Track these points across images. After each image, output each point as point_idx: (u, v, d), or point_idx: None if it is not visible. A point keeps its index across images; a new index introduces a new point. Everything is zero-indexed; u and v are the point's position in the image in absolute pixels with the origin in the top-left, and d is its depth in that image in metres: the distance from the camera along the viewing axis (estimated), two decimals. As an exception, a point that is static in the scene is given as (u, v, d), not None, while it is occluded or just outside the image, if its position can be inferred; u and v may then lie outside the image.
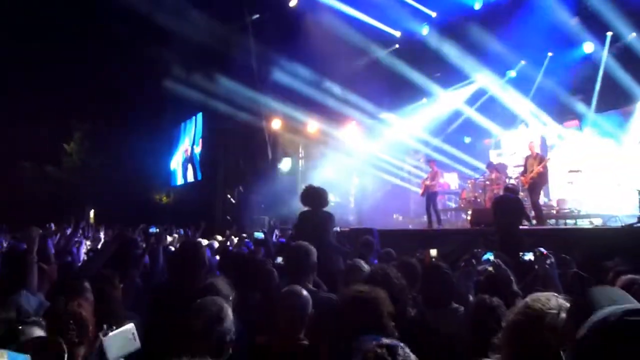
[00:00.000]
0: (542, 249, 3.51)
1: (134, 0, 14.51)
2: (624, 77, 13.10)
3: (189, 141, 25.07)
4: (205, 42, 15.25)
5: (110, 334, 2.30)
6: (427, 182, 12.94)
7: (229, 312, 2.47)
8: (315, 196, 6.37)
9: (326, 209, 6.37)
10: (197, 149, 23.92)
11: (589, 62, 13.91)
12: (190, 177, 24.80)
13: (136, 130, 23.09)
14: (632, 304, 1.17)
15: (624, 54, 12.89)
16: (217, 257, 6.79)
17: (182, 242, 7.65)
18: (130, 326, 2.40)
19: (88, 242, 8.56)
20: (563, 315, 1.52)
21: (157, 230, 5.17)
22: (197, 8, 14.08)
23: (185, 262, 4.06)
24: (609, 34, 13.18)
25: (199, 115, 23.12)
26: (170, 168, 26.96)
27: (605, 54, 13.53)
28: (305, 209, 6.37)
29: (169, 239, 9.48)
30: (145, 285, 4.72)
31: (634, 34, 12.76)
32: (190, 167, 25.01)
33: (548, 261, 3.42)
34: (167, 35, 15.11)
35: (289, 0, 15.14)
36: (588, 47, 13.83)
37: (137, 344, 2.39)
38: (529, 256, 3.81)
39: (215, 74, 16.42)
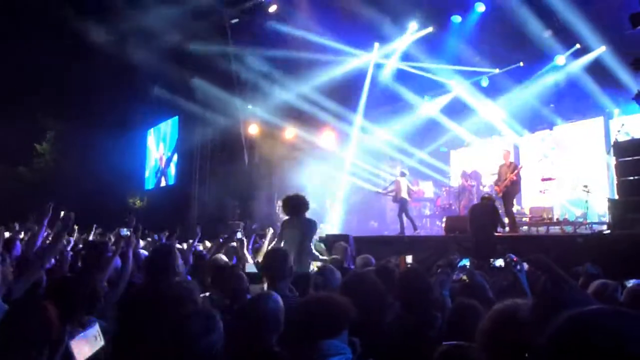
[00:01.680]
0: (512, 256, 3.55)
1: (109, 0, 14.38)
2: (594, 89, 13.46)
3: (163, 145, 24.82)
4: (182, 45, 15.15)
5: (77, 337, 2.29)
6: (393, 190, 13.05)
7: (219, 322, 2.42)
8: (295, 205, 6.42)
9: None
10: (172, 153, 23.69)
11: (561, 73, 14.24)
12: (164, 181, 24.54)
13: (110, 132, 22.70)
14: (595, 305, 1.19)
15: (593, 66, 13.23)
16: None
17: (154, 246, 7.57)
18: (95, 327, 2.37)
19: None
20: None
21: (128, 233, 5.09)
22: (174, 10, 13.96)
23: (157, 266, 4.05)
24: (578, 46, 13.52)
25: (175, 119, 22.92)
26: (144, 171, 26.64)
27: (575, 66, 13.88)
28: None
29: (142, 242, 9.35)
30: (113, 290, 4.65)
31: (603, 48, 13.10)
32: (164, 170, 24.74)
33: (518, 267, 3.47)
34: (144, 36, 14.93)
35: (269, 5, 15.14)
36: (560, 59, 14.16)
37: (101, 342, 2.36)
38: (500, 262, 3.85)
39: (193, 77, 16.32)
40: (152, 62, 15.43)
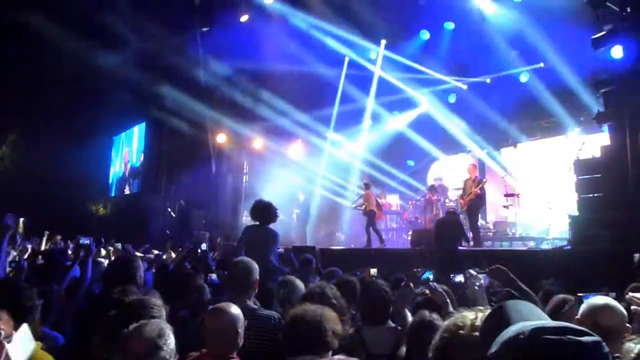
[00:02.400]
0: (472, 271, 3.57)
1: (79, 3, 14.14)
2: (557, 108, 13.83)
3: (129, 151, 24.44)
4: (151, 52, 14.98)
5: (12, 340, 2.27)
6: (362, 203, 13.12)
7: (171, 337, 2.34)
8: (264, 211, 6.35)
9: (272, 225, 6.35)
10: (138, 160, 23.33)
11: (525, 90, 14.58)
12: (129, 189, 24.13)
13: (74, 138, 22.14)
14: (542, 320, 1.19)
15: (556, 86, 13.60)
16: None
17: (116, 255, 7.41)
18: (24, 327, 2.41)
19: (14, 252, 8.12)
20: (477, 332, 1.53)
21: (88, 241, 4.97)
22: (145, 16, 13.80)
23: (118, 276, 3.97)
24: (542, 65, 13.88)
25: (142, 125, 22.59)
26: (108, 178, 26.15)
27: (539, 85, 14.23)
28: (253, 223, 6.36)
29: (103, 252, 9.16)
30: (72, 299, 4.53)
31: (565, 68, 13.48)
32: (129, 178, 24.34)
33: (478, 283, 3.50)
34: (112, 41, 14.71)
35: (241, 15, 15.12)
36: (524, 76, 14.52)
37: (33, 343, 2.41)
38: (460, 278, 3.87)
39: (161, 84, 16.11)
40: (120, 68, 15.22)
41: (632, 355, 1.69)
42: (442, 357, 1.63)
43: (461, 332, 1.55)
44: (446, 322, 1.67)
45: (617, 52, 8.23)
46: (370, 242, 12.43)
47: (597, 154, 8.83)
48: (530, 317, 1.20)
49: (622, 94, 7.73)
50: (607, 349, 1.05)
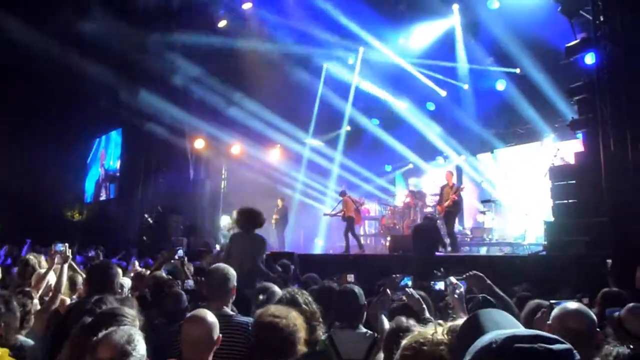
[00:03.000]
0: (452, 279, 3.59)
1: (55, 7, 13.94)
2: (533, 115, 14.04)
3: (105, 157, 24.13)
4: (128, 56, 14.81)
5: None
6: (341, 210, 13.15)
7: (140, 342, 2.31)
8: (249, 218, 6.28)
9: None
10: (115, 166, 23.05)
11: (502, 98, 14.78)
12: (106, 195, 23.81)
13: (48, 143, 21.75)
14: (515, 328, 1.20)
15: (532, 93, 13.80)
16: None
17: (93, 262, 7.29)
18: None
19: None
20: (442, 346, 1.52)
21: (63, 248, 4.88)
22: (122, 21, 13.67)
23: (96, 283, 3.94)
24: (518, 70, 14.09)
25: (119, 131, 22.34)
26: (84, 184, 25.77)
27: (515, 93, 14.44)
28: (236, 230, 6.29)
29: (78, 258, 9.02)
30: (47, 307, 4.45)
31: (542, 75, 13.71)
32: (105, 184, 24.02)
33: (457, 291, 3.51)
34: (88, 45, 14.50)
35: (219, 20, 15.06)
36: (500, 84, 14.72)
37: None
38: (440, 285, 3.89)
39: (138, 89, 15.93)
40: (98, 73, 15.02)
41: (611, 358, 1.70)
42: None
43: (424, 348, 1.54)
44: (405, 341, 1.65)
45: (590, 60, 8.39)
46: (348, 247, 12.44)
47: (572, 160, 8.98)
48: (504, 325, 1.20)
49: (595, 102, 7.86)
50: (578, 357, 1.06)
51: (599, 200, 7.28)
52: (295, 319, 2.74)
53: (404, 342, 1.67)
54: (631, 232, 6.54)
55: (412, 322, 2.82)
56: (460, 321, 1.54)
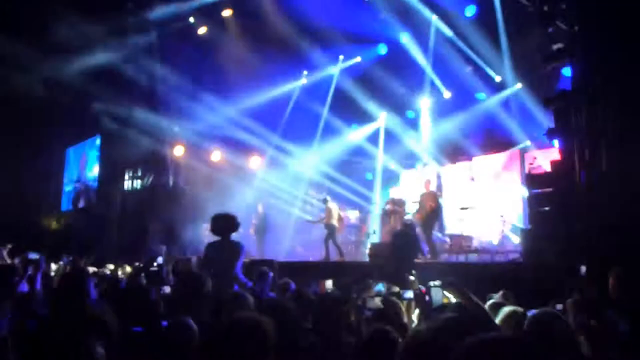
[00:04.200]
0: (421, 287, 3.60)
1: (28, 11, 13.73)
2: (511, 123, 14.23)
3: (84, 164, 23.78)
4: (106, 63, 14.64)
5: None
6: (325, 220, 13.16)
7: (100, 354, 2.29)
8: (223, 223, 6.19)
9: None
10: (93, 173, 22.72)
11: (481, 107, 14.97)
12: (83, 203, 23.44)
13: (23, 151, 21.35)
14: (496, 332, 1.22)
15: (510, 102, 14.01)
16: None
17: (68, 271, 7.18)
18: None
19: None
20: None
21: (37, 256, 4.81)
22: (100, 27, 13.52)
23: (68, 292, 3.91)
24: (498, 80, 14.28)
25: (97, 138, 22.04)
26: (61, 192, 25.35)
27: (494, 101, 14.63)
28: (214, 238, 6.18)
29: (53, 267, 8.87)
30: (20, 317, 4.35)
31: (519, 85, 13.92)
32: (83, 191, 23.65)
33: (427, 298, 3.51)
34: (67, 53, 14.30)
35: (199, 27, 15.01)
36: (480, 94, 14.90)
37: None
38: (409, 294, 3.89)
39: (117, 96, 15.76)
40: (75, 79, 14.82)
41: None
42: None
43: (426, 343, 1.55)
44: (411, 332, 1.65)
45: (566, 69, 8.53)
46: (329, 255, 12.43)
47: (548, 168, 9.09)
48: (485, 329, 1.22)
49: (570, 111, 7.97)
50: None
51: (574, 208, 7.37)
52: (265, 326, 2.71)
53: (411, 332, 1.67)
54: (604, 240, 6.62)
55: (389, 328, 2.81)
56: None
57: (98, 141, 21.98)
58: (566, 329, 2.51)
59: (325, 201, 13.31)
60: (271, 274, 6.89)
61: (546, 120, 11.52)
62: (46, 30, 13.27)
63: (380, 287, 4.02)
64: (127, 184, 18.70)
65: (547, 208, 8.22)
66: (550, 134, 8.98)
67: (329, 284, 5.65)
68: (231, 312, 3.74)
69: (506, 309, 3.69)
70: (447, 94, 15.80)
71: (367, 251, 12.01)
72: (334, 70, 16.17)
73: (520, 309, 3.58)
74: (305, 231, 16.38)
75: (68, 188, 25.07)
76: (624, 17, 7.26)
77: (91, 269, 8.91)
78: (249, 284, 5.91)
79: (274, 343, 2.62)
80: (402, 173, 17.51)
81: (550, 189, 8.26)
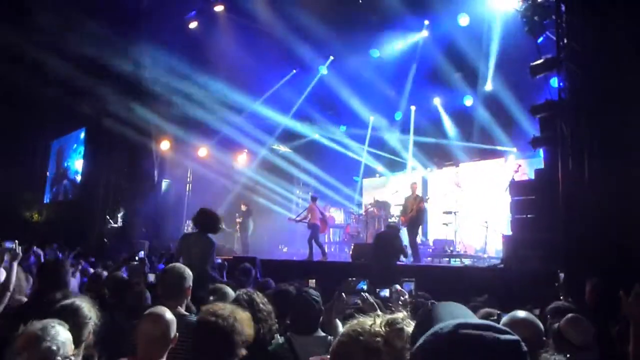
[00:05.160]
0: (397, 286, 3.65)
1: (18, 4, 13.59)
2: (497, 131, 14.37)
3: (68, 157, 23.57)
4: (93, 57, 14.49)
5: None
6: (306, 216, 13.19)
7: (60, 331, 2.31)
8: (205, 219, 6.24)
9: (215, 235, 6.25)
10: (77, 166, 22.52)
11: (468, 112, 15.10)
12: (67, 195, 23.24)
13: (5, 143, 21.02)
14: (471, 318, 1.23)
15: (498, 110, 14.13)
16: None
17: (46, 261, 7.13)
18: None
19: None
20: (378, 338, 1.52)
21: (13, 245, 4.78)
22: (87, 17, 13.38)
23: (44, 282, 3.92)
24: (487, 89, 14.40)
25: (82, 131, 21.85)
26: (45, 184, 25.10)
27: (481, 109, 14.77)
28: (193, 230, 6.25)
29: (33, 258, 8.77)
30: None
31: (507, 93, 14.05)
32: (67, 184, 23.45)
33: (402, 298, 3.56)
34: (52, 44, 14.12)
35: (189, 22, 14.96)
36: (468, 100, 15.03)
37: None
38: (385, 292, 3.94)
39: (103, 89, 15.62)
40: (60, 71, 14.67)
41: None
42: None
43: (361, 338, 1.54)
44: (344, 328, 1.65)
45: (553, 80, 8.64)
46: (312, 254, 12.47)
47: (532, 176, 9.20)
48: (459, 316, 1.22)
49: (556, 121, 8.08)
50: (525, 349, 1.08)
51: (556, 216, 7.47)
52: (237, 320, 2.73)
53: (342, 329, 1.68)
54: (583, 247, 6.72)
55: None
56: (399, 315, 1.56)
57: (83, 135, 21.82)
58: (537, 331, 2.57)
59: (313, 199, 13.37)
60: (254, 272, 6.93)
61: (532, 129, 11.67)
62: (30, 20, 13.12)
63: (363, 284, 4.05)
64: (112, 178, 18.55)
65: (529, 215, 8.33)
66: (535, 142, 9.09)
67: (312, 283, 5.67)
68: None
69: (482, 311, 3.76)
70: (435, 100, 15.92)
71: (350, 252, 12.06)
72: (324, 69, 16.17)
73: (495, 311, 3.64)
74: (290, 230, 16.42)
75: (51, 180, 24.84)
76: (612, 30, 7.38)
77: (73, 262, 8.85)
78: (218, 279, 5.94)
79: (246, 336, 2.64)
80: (388, 176, 17.63)
81: (533, 197, 8.37)
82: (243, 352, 2.67)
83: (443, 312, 1.25)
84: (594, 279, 5.04)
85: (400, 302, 3.48)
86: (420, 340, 1.12)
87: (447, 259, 12.06)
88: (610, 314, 4.04)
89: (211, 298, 3.90)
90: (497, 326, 1.10)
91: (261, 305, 3.40)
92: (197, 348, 2.68)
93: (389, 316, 1.57)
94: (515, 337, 1.08)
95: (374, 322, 1.56)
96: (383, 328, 1.52)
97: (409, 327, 1.48)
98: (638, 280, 2.87)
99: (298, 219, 13.78)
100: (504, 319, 2.67)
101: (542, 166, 8.97)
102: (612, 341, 3.64)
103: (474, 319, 1.19)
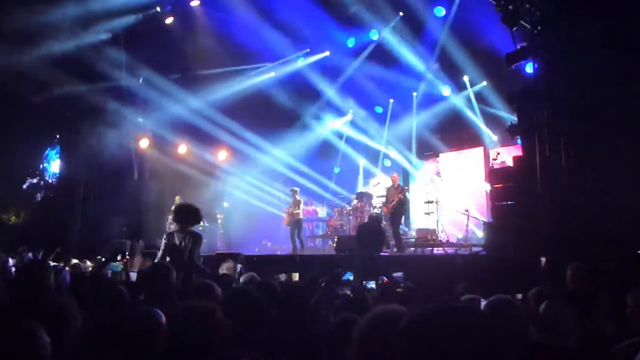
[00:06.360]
0: (384, 278, 3.69)
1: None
2: (476, 120, 14.52)
3: (45, 156, 23.16)
4: (70, 53, 14.24)
5: None
6: (291, 211, 13.21)
7: (43, 335, 2.31)
8: (186, 213, 6.23)
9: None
10: (53, 165, 22.16)
11: (447, 103, 15.21)
12: (45, 195, 22.84)
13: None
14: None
15: (478, 99, 14.28)
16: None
17: (27, 263, 7.07)
18: None
19: None
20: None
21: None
22: (63, 16, 13.15)
23: (26, 284, 3.86)
24: (466, 78, 14.51)
25: (58, 129, 21.45)
26: (21, 184, 24.63)
27: (460, 99, 14.90)
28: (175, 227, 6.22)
29: (11, 261, 8.71)
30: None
31: (484, 82, 14.20)
32: (45, 184, 23.05)
33: (398, 289, 3.60)
34: (27, 41, 13.85)
35: (165, 17, 14.77)
36: (446, 90, 15.13)
37: None
38: (372, 284, 3.98)
39: (80, 86, 15.36)
40: (36, 69, 14.38)
41: None
42: (367, 343, 1.63)
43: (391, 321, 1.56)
44: (374, 313, 1.66)
45: (528, 68, 8.74)
46: (296, 248, 12.53)
47: (511, 164, 9.32)
48: None
49: (532, 108, 8.18)
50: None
51: (535, 202, 7.59)
52: (216, 313, 2.72)
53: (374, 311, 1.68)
54: (563, 232, 6.84)
55: (357, 316, 2.86)
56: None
57: (60, 133, 21.45)
58: (518, 315, 2.61)
59: (295, 192, 13.45)
60: (239, 267, 6.93)
61: (511, 118, 11.81)
62: (3, 17, 12.83)
63: (349, 275, 4.08)
64: (90, 178, 18.29)
65: (508, 202, 8.45)
66: (513, 130, 9.20)
67: (295, 277, 5.71)
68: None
69: (465, 297, 3.81)
70: (414, 92, 16.01)
71: (334, 245, 12.10)
72: (302, 63, 16.14)
73: (476, 297, 3.70)
74: (273, 225, 16.40)
75: (28, 180, 24.41)
76: (584, 18, 7.49)
77: (53, 263, 8.76)
78: (207, 271, 5.96)
79: (226, 332, 2.64)
80: (370, 167, 17.70)
81: (512, 184, 8.49)
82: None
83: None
84: (575, 264, 5.12)
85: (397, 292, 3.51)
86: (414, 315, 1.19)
87: (430, 247, 12.16)
88: (590, 298, 4.12)
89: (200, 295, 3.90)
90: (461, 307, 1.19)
91: (253, 301, 3.39)
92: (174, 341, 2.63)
93: None
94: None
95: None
96: None
97: None
98: (617, 264, 2.94)
99: (291, 211, 13.76)
100: (485, 303, 2.71)
101: (520, 154, 9.10)
102: (592, 325, 3.72)
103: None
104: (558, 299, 3.35)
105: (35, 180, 23.70)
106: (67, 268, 8.20)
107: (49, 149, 22.72)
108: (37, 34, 13.29)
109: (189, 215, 6.23)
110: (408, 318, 1.18)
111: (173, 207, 6.46)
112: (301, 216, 13.16)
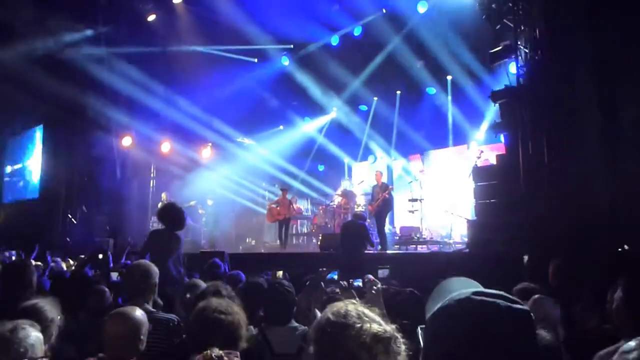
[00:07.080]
0: (370, 276, 3.68)
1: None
2: (459, 118, 14.58)
3: (26, 155, 22.86)
4: (53, 50, 14.04)
5: None
6: (279, 210, 13.22)
7: (29, 332, 2.27)
8: (170, 215, 6.19)
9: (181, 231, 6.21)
10: (35, 164, 21.87)
11: (431, 101, 15.26)
12: (26, 195, 22.55)
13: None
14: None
15: (460, 97, 14.32)
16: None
17: (11, 262, 6.96)
18: None
19: None
20: (365, 325, 1.51)
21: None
22: (43, 9, 12.94)
23: (9, 283, 3.84)
24: (449, 78, 14.56)
25: (40, 128, 21.18)
26: (2, 183, 24.30)
27: (444, 97, 14.95)
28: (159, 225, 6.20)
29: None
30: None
31: (468, 80, 14.25)
32: (26, 183, 22.76)
33: (375, 287, 3.59)
34: (7, 37, 13.61)
35: (148, 14, 14.62)
36: (431, 89, 15.18)
37: None
38: (359, 282, 3.97)
39: (61, 83, 15.13)
40: (17, 66, 14.15)
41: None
42: (324, 345, 1.57)
43: (348, 324, 1.53)
44: (327, 314, 1.61)
45: (511, 66, 8.80)
46: (284, 245, 12.59)
47: (494, 161, 9.37)
48: (473, 287, 1.27)
49: (515, 106, 8.24)
50: (533, 319, 1.14)
51: (518, 199, 7.65)
52: (238, 315, 2.72)
53: (327, 311, 1.63)
54: (546, 229, 6.90)
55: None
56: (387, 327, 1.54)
57: (41, 131, 21.17)
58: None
59: (284, 191, 13.50)
60: (223, 266, 6.88)
61: (493, 115, 11.89)
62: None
63: (333, 275, 4.07)
64: (73, 175, 18.07)
65: (492, 200, 8.50)
66: (496, 128, 9.27)
67: (279, 274, 5.69)
68: (189, 304, 3.73)
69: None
70: (398, 89, 16.04)
71: (319, 242, 12.10)
72: (286, 61, 16.10)
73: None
74: (257, 223, 16.36)
75: (8, 179, 24.08)
76: (567, 16, 7.56)
77: (34, 263, 8.64)
78: (176, 275, 5.88)
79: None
80: (354, 165, 17.72)
81: (495, 182, 8.54)
82: (244, 345, 2.65)
83: (456, 285, 1.30)
84: (557, 260, 5.16)
85: (374, 292, 3.49)
86: (434, 309, 1.17)
87: (414, 245, 12.21)
88: (573, 293, 4.16)
89: (188, 295, 3.88)
90: (510, 296, 1.15)
91: (227, 298, 3.38)
92: (197, 344, 2.61)
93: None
94: (526, 307, 1.14)
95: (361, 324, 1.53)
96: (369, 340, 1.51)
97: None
98: (599, 260, 2.96)
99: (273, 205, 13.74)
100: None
101: (503, 151, 9.16)
102: (575, 320, 3.75)
103: (487, 290, 1.22)
104: (542, 295, 3.37)
105: (16, 179, 23.40)
106: (48, 267, 8.12)
107: (29, 146, 22.43)
108: (18, 31, 13.08)
109: (174, 217, 6.19)
110: (435, 311, 1.16)
111: (159, 205, 6.43)
112: (288, 215, 13.19)
